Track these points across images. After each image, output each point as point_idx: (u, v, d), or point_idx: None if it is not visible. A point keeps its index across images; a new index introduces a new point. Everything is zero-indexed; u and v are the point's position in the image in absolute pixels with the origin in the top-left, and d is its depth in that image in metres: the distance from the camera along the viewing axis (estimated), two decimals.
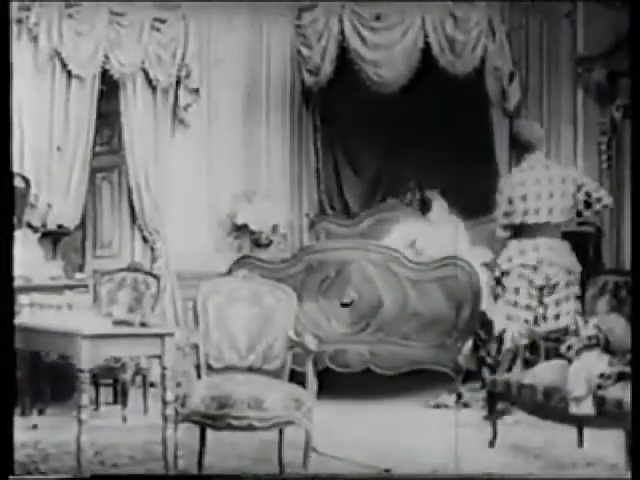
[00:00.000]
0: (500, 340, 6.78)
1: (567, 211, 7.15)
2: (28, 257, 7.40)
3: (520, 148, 7.36)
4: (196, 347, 5.74)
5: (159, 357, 5.56)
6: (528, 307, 7.08)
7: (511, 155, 9.11)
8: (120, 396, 7.21)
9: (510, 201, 7.13)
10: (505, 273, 7.17)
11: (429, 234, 9.03)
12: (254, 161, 9.82)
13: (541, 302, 7.09)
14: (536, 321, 7.03)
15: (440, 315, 7.76)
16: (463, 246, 8.88)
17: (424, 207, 9.43)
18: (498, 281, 7.27)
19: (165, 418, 5.45)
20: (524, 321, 7.02)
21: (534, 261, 7.09)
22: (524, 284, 7.10)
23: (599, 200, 7.12)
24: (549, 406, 5.68)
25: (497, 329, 7.01)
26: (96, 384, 7.16)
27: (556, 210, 7.11)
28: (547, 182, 7.14)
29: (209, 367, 5.75)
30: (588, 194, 7.10)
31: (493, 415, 6.10)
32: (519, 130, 7.46)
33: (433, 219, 9.32)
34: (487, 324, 7.23)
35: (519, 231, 7.17)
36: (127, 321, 5.68)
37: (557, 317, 7.01)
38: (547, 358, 6.12)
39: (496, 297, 7.29)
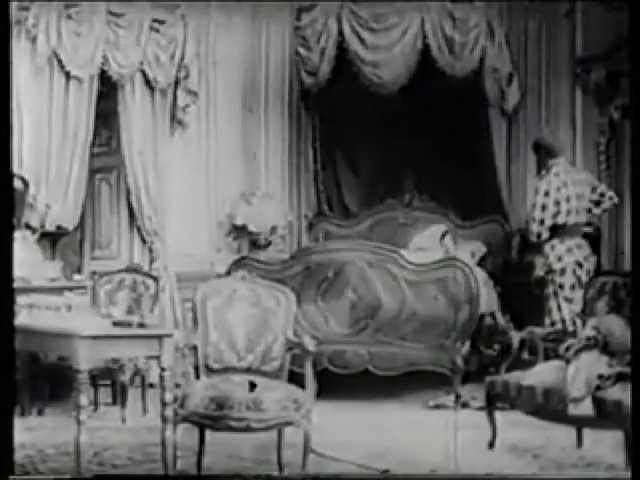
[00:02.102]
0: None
1: (584, 211, 7.75)
2: (27, 258, 7.40)
3: (545, 153, 7.84)
4: (195, 348, 5.72)
5: (158, 358, 5.54)
6: (578, 301, 7.39)
7: (509, 156, 9.13)
8: (119, 397, 7.21)
9: (557, 203, 7.60)
10: (561, 271, 7.61)
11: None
12: (253, 162, 9.82)
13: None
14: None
15: (438, 316, 7.75)
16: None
17: None
18: (544, 280, 7.70)
19: (164, 419, 5.43)
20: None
21: (582, 258, 7.65)
22: (576, 280, 7.57)
23: (610, 198, 7.78)
24: (548, 407, 5.67)
25: (569, 325, 7.40)
26: (95, 385, 7.15)
27: (581, 211, 7.71)
28: (575, 184, 7.74)
29: (208, 368, 5.73)
30: (602, 194, 7.74)
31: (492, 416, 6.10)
32: (544, 136, 8.10)
33: None
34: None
35: (557, 231, 7.65)
36: (126, 322, 5.67)
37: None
38: (546, 359, 6.11)
39: (555, 294, 7.69)
